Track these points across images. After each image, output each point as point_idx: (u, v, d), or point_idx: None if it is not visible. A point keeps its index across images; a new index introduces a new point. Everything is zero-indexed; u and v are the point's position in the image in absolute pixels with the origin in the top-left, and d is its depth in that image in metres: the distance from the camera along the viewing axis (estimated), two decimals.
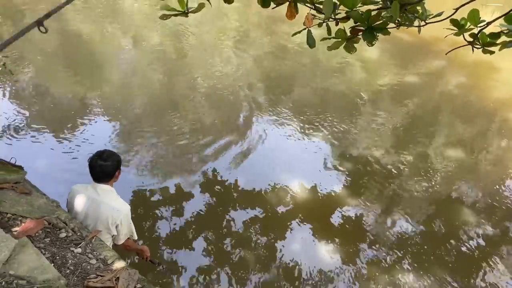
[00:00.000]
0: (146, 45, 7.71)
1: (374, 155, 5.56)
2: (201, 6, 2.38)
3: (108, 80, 6.38)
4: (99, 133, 5.18)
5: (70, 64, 6.49)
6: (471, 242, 4.42)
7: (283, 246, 4.08)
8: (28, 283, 1.54)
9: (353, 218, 4.53)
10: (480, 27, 2.25)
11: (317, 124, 6.01)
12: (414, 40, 9.40)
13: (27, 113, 5.30)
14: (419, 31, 2.59)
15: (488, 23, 2.24)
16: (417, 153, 5.78)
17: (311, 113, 6.26)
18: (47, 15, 1.17)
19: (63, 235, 2.02)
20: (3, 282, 1.51)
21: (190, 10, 2.35)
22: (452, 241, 4.40)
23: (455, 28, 2.32)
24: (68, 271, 1.76)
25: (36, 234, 1.91)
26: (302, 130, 5.85)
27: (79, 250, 1.95)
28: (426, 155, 5.78)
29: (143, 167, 4.72)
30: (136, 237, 2.89)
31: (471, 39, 2.34)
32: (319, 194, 4.77)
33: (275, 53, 8.26)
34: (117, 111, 5.60)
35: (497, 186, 5.35)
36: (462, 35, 2.33)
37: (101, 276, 1.77)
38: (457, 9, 2.21)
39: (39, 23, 1.15)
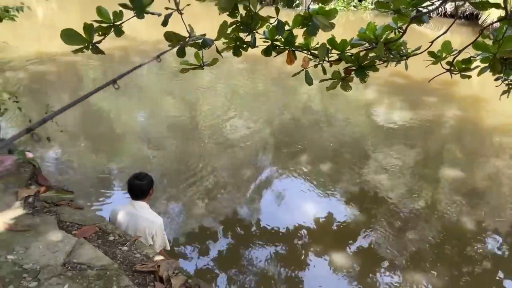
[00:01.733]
0: (163, 114, 7.97)
1: (383, 187, 5.72)
2: (214, 61, 2.71)
3: (126, 150, 6.52)
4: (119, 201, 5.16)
5: (90, 137, 6.71)
6: (487, 265, 4.50)
7: (304, 276, 4.19)
8: (88, 267, 2.00)
9: (368, 246, 4.64)
10: (453, 55, 2.56)
11: (330, 171, 6.14)
12: (408, 82, 9.84)
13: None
14: (406, 67, 2.91)
15: (459, 51, 2.54)
16: (425, 185, 5.93)
17: (322, 160, 6.41)
18: (121, 75, 1.44)
19: (111, 238, 2.44)
20: (69, 267, 1.97)
21: (205, 64, 2.67)
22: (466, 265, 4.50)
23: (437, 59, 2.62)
24: (118, 262, 2.15)
25: (90, 236, 2.34)
26: (315, 177, 5.94)
27: (125, 248, 2.34)
28: (433, 184, 5.94)
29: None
30: (168, 248, 3.21)
31: (448, 67, 2.64)
32: (333, 227, 4.92)
33: (285, 108, 8.56)
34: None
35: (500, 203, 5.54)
36: (440, 64, 2.63)
37: (145, 264, 2.14)
38: (432, 42, 2.51)
39: (114, 81, 1.42)
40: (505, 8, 2.19)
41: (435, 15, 17.08)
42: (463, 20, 17.77)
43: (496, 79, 2.88)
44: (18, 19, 4.80)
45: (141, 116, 7.97)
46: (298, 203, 5.41)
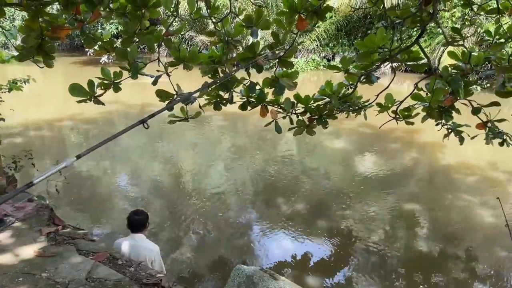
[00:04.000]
0: (147, 173, 8.13)
1: (361, 232, 5.93)
2: (198, 114, 3.07)
3: (113, 215, 6.51)
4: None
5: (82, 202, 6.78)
6: None
7: None
8: (106, 280, 2.40)
9: (344, 282, 4.80)
10: (396, 105, 2.98)
11: (312, 224, 6.22)
12: (375, 132, 10.41)
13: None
14: (365, 117, 3.30)
15: (400, 102, 2.96)
16: (400, 227, 6.20)
17: (305, 216, 6.48)
18: (151, 116, 1.68)
19: (120, 262, 2.82)
20: (90, 280, 2.37)
21: (189, 116, 3.02)
22: None
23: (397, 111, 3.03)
24: (128, 278, 2.51)
25: (103, 261, 2.74)
26: (301, 230, 6.02)
27: (132, 269, 2.73)
28: (407, 226, 6.22)
29: None
30: (165, 272, 3.40)
31: (393, 115, 3.05)
32: (312, 268, 5.06)
33: (265, 161, 8.83)
34: None
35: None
36: (386, 112, 3.04)
37: (150, 278, 2.56)
38: (377, 96, 2.92)
39: (143, 121, 1.66)
40: (430, 67, 2.65)
41: (398, 71, 18.20)
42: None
43: (437, 124, 3.29)
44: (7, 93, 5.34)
45: (126, 176, 8.19)
46: (279, 247, 5.57)
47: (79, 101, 2.64)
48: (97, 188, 7.35)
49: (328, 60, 21.26)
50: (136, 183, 7.68)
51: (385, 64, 2.79)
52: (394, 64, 2.90)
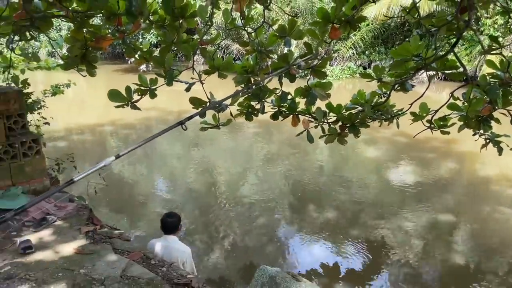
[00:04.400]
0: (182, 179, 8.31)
1: (397, 246, 5.74)
2: (229, 121, 3.12)
3: (147, 218, 6.64)
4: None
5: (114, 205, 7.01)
6: None
7: None
8: (139, 278, 2.50)
9: None
10: (431, 114, 2.91)
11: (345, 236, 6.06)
12: (410, 141, 10.13)
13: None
14: (398, 126, 3.25)
15: (436, 111, 2.89)
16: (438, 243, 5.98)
17: (337, 225, 6.35)
18: (188, 118, 1.76)
19: (153, 262, 2.93)
20: (125, 278, 2.49)
21: (221, 124, 3.08)
22: None
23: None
24: (159, 278, 2.59)
25: (137, 260, 2.84)
26: (333, 241, 5.89)
27: (164, 269, 2.82)
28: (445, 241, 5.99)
29: None
30: (195, 273, 3.47)
31: (428, 124, 2.97)
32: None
33: (299, 169, 8.77)
34: None
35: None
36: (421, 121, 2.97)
37: (181, 279, 2.63)
38: (411, 104, 2.87)
39: (181, 123, 1.75)
40: (466, 75, 2.58)
41: (435, 79, 17.72)
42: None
43: (474, 134, 3.18)
44: (52, 98, 5.67)
45: (162, 180, 8.41)
46: (309, 254, 5.52)
47: (117, 106, 2.76)
48: (134, 191, 7.58)
49: (364, 68, 20.96)
50: (171, 188, 7.87)
51: (420, 72, 2.73)
52: (430, 73, 2.83)
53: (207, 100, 2.96)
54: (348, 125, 3.20)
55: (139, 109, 2.78)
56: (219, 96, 2.91)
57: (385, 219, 6.52)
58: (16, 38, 3.50)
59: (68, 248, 2.87)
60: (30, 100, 5.19)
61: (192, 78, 2.97)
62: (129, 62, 23.34)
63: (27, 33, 3.21)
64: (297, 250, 5.67)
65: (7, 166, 3.75)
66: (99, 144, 10.62)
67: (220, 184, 8.01)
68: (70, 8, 2.86)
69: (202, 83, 2.95)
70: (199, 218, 6.49)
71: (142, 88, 2.87)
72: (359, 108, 3.22)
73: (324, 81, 3.17)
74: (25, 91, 4.71)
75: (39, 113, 5.48)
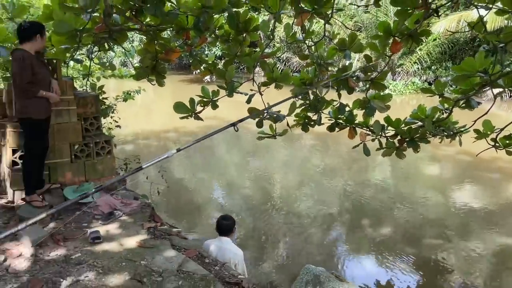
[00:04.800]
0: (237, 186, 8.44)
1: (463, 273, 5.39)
2: (285, 131, 3.19)
3: (202, 221, 6.89)
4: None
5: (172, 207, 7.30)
6: None
7: None
8: (194, 274, 2.65)
9: None
10: (496, 132, 2.77)
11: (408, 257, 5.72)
12: (474, 160, 9.52)
13: None
14: (460, 143, 3.13)
15: (501, 129, 2.75)
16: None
17: (394, 243, 6.07)
18: (241, 120, 1.90)
19: (207, 260, 3.07)
20: (181, 272, 2.65)
21: (277, 134, 3.16)
22: None
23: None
24: (212, 276, 2.73)
25: (192, 257, 3.00)
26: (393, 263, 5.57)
27: (217, 268, 2.96)
28: None
29: None
30: (246, 276, 3.54)
31: (493, 143, 2.83)
32: None
33: (356, 184, 8.52)
34: None
35: None
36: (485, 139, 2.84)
37: (232, 278, 2.74)
38: (474, 121, 2.76)
39: (233, 124, 1.90)
40: None
41: (507, 97, 16.64)
42: None
43: None
44: (122, 104, 6.10)
45: (218, 187, 8.64)
46: (361, 269, 5.40)
47: (182, 117, 2.94)
48: (192, 195, 7.86)
49: (429, 84, 20.03)
50: (227, 194, 8.06)
51: (484, 89, 2.63)
52: (496, 90, 2.71)
53: (265, 111, 3.06)
54: (407, 139, 3.14)
55: (201, 119, 2.94)
56: (277, 107, 3.00)
57: (445, 240, 6.17)
58: (95, 48, 3.88)
59: (131, 241, 3.08)
60: (104, 106, 5.65)
61: (252, 90, 3.09)
62: (194, 73, 24.31)
63: (105, 44, 3.55)
64: (347, 261, 5.58)
65: (82, 164, 4.10)
66: (162, 149, 11.16)
67: (275, 193, 8.08)
68: (144, 22, 3.13)
69: (261, 94, 3.06)
70: (252, 225, 6.59)
71: (205, 99, 3.03)
72: (419, 123, 3.16)
73: (384, 93, 3.14)
74: (100, 97, 5.14)
75: (111, 117, 5.94)
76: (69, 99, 3.97)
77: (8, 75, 6.18)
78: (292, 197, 7.80)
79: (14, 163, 3.77)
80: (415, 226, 6.68)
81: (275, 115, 2.95)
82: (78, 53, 4.27)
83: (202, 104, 3.04)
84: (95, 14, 2.79)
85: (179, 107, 2.88)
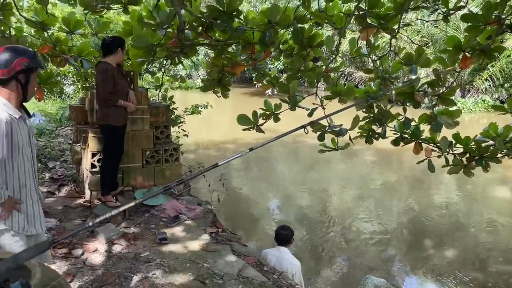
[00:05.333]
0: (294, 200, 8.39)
1: None
2: (347, 145, 3.17)
3: (259, 231, 6.98)
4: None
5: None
6: None
7: None
8: (253, 280, 2.74)
9: None
10: None
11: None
12: None
13: None
14: None
15: None
16: None
17: (456, 267, 5.67)
18: (311, 122, 1.96)
19: (265, 268, 3.16)
20: (240, 277, 2.76)
21: (339, 147, 3.15)
22: None
23: None
24: (270, 283, 2.81)
25: (251, 264, 3.09)
26: None
27: (275, 276, 3.03)
28: None
29: None
30: (303, 287, 3.53)
31: None
32: None
33: (418, 204, 8.11)
34: None
35: None
36: None
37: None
38: None
39: (303, 126, 1.99)
40: None
41: None
42: None
43: None
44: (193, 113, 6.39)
45: (275, 199, 8.66)
46: None
47: (245, 129, 3.04)
48: (250, 204, 8.00)
49: (502, 102, 18.69)
50: (284, 206, 8.06)
51: None
52: None
53: (327, 125, 3.08)
54: (476, 157, 2.99)
55: (263, 132, 3.03)
56: (339, 121, 3.01)
57: None
58: (167, 61, 4.14)
59: (195, 244, 3.23)
60: (174, 115, 5.98)
61: (314, 104, 3.12)
62: (256, 86, 24.79)
63: (176, 58, 3.78)
64: (407, 278, 5.38)
65: (152, 169, 4.37)
66: (221, 158, 11.36)
67: (332, 207, 7.95)
68: (213, 38, 3.31)
69: (324, 108, 3.08)
70: (308, 237, 6.54)
71: (267, 112, 3.11)
72: (490, 141, 3.00)
73: (453, 109, 3.03)
74: (170, 107, 5.45)
75: (179, 127, 6.25)
76: (143, 108, 4.26)
77: (87, 84, 6.78)
78: (349, 212, 7.64)
79: (92, 165, 4.11)
80: (481, 251, 6.22)
81: (337, 129, 2.96)
82: (151, 66, 4.59)
83: (264, 117, 3.12)
84: (169, 30, 3.00)
85: (242, 119, 2.98)
